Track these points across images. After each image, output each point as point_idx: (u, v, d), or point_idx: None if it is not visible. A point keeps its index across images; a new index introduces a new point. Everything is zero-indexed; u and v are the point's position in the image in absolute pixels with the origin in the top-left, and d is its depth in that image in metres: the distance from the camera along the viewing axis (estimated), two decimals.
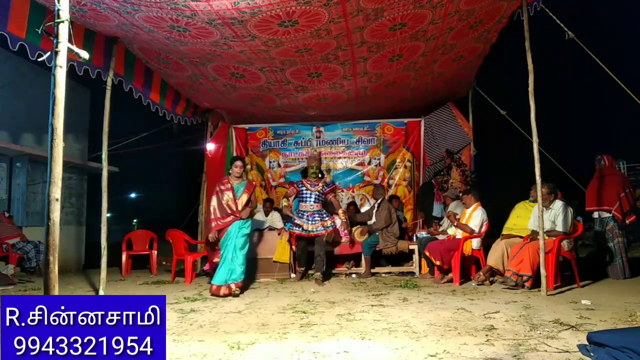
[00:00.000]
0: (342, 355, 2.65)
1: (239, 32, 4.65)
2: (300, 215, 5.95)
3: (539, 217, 4.62)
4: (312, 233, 5.83)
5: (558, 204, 5.09)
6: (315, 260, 5.86)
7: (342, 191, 8.24)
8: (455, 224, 5.82)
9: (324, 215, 5.95)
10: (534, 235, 4.99)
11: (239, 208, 5.12)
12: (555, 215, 5.07)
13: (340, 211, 6.06)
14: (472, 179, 7.14)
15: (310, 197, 5.96)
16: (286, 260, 6.52)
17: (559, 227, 5.00)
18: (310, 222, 5.85)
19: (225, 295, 4.82)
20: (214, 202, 5.14)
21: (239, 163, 5.33)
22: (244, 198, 5.19)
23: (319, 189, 6.00)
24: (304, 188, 6.00)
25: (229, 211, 5.09)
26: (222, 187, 5.19)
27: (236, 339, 3.03)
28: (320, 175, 6.10)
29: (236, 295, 4.82)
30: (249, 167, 8.44)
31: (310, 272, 6.24)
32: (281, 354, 2.69)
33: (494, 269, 5.29)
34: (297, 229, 5.88)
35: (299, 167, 8.37)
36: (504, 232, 5.59)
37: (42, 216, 6.46)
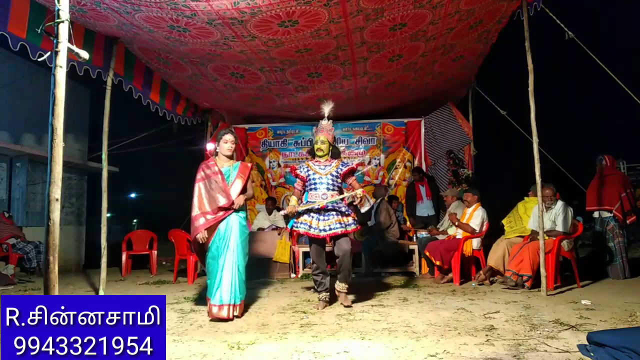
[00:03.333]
0: (342, 355, 2.64)
1: (239, 32, 4.65)
2: (309, 208, 4.16)
3: (539, 217, 4.62)
4: (325, 233, 4.05)
5: (559, 204, 5.10)
6: (339, 268, 4.21)
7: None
8: (456, 224, 5.80)
9: (343, 210, 4.16)
10: (534, 235, 4.99)
11: (233, 197, 3.86)
12: (556, 215, 5.07)
13: (360, 190, 4.08)
14: (463, 179, 7.12)
15: (322, 183, 4.16)
16: (286, 260, 6.54)
17: (559, 227, 5.00)
18: (322, 219, 4.09)
19: (227, 319, 3.64)
20: (198, 191, 3.88)
21: (229, 137, 3.98)
22: (237, 184, 3.92)
23: (332, 170, 4.21)
24: (311, 172, 4.23)
25: (220, 203, 3.82)
26: (208, 172, 3.93)
27: (236, 339, 3.03)
28: (331, 154, 4.33)
29: (237, 317, 3.74)
30: None
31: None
32: (281, 354, 2.69)
33: (494, 269, 5.29)
34: (303, 226, 4.11)
35: None
36: (506, 228, 5.63)
37: (42, 216, 6.46)
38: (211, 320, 3.68)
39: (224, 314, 3.66)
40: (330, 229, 4.05)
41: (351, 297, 4.32)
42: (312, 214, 4.14)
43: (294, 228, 4.23)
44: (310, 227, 4.09)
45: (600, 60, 4.77)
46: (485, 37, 5.51)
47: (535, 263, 4.69)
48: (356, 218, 4.29)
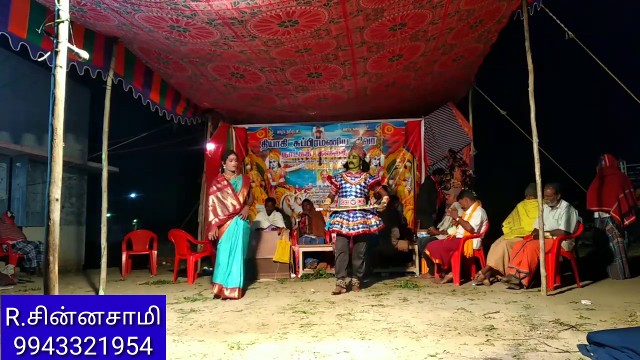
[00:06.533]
0: (342, 355, 2.65)
1: (239, 32, 4.65)
2: (340, 212, 5.15)
3: (539, 216, 4.62)
4: (352, 232, 5.01)
5: (563, 204, 5.10)
6: (353, 265, 5.20)
7: None
8: (457, 219, 5.79)
9: (368, 214, 5.11)
10: (537, 233, 4.97)
11: (242, 202, 4.97)
12: (560, 215, 5.07)
13: (385, 197, 5.13)
14: (470, 180, 7.11)
15: (351, 192, 5.14)
16: (286, 260, 6.54)
17: (562, 227, 5.00)
18: (351, 220, 5.06)
19: (226, 298, 4.69)
20: (212, 202, 4.95)
21: (233, 157, 5.11)
22: (244, 192, 5.03)
23: (361, 181, 5.18)
24: (343, 181, 5.22)
25: (231, 209, 4.91)
26: (219, 186, 5.00)
27: (236, 339, 3.03)
28: (361, 168, 5.32)
29: (234, 299, 4.71)
30: (248, 167, 8.45)
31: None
32: (281, 354, 2.69)
33: (493, 270, 5.29)
34: (337, 226, 5.08)
35: (299, 167, 8.39)
36: (505, 229, 5.61)
37: (42, 216, 6.46)
38: (215, 297, 4.75)
39: (226, 293, 4.71)
40: (357, 228, 5.00)
41: (362, 291, 5.13)
42: (343, 216, 5.08)
43: (331, 229, 5.19)
44: (342, 226, 5.05)
45: (600, 60, 4.77)
46: (485, 37, 5.51)
47: (532, 262, 4.69)
48: (380, 219, 5.15)
